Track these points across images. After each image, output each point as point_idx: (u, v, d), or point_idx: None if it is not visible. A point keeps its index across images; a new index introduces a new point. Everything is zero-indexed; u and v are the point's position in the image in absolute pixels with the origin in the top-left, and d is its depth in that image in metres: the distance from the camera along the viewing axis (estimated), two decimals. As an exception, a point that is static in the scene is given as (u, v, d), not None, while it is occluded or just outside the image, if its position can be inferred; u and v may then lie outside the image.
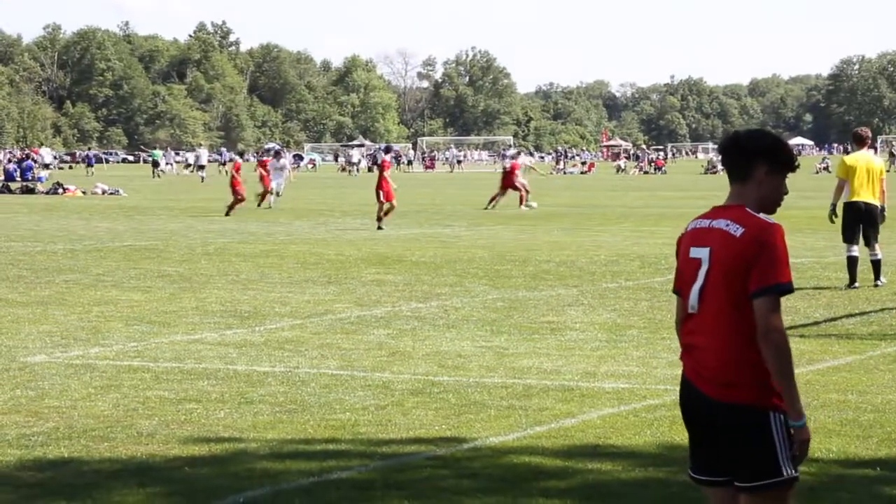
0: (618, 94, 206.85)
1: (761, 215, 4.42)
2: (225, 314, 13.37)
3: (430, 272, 17.95)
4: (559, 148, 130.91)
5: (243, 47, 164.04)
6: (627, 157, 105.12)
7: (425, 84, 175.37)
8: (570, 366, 10.24)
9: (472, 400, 8.86)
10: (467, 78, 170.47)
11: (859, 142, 16.00)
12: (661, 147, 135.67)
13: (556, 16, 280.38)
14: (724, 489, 4.44)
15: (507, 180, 35.71)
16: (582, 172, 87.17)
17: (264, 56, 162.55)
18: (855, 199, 15.58)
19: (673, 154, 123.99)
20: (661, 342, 11.39)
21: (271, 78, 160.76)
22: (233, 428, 8.05)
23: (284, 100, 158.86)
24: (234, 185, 33.12)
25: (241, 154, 36.38)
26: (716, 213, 4.51)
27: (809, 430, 4.40)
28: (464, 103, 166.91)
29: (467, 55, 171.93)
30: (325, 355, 10.79)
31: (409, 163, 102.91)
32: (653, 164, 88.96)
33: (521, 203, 35.06)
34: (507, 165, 37.00)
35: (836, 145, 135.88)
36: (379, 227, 26.85)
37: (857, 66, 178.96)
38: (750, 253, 4.34)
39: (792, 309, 13.47)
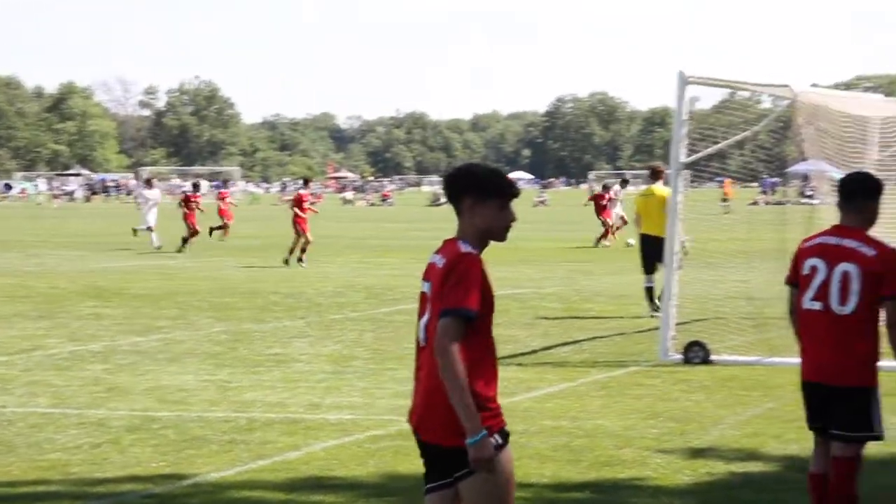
0: (344, 127, 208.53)
1: (465, 246, 4.45)
2: (-75, 351, 12.50)
3: (150, 305, 17.45)
4: (285, 180, 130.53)
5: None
6: (354, 190, 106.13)
7: (147, 112, 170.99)
8: (294, 398, 10.16)
9: (192, 435, 8.64)
10: (191, 107, 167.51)
11: (654, 176, 16.83)
12: (388, 178, 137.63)
13: (282, 47, 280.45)
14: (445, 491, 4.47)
15: (605, 212, 34.09)
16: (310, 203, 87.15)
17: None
18: (641, 231, 16.41)
19: (399, 187, 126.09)
20: (386, 373, 11.48)
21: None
22: (-70, 473, 7.51)
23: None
24: (187, 218, 30.54)
25: (195, 187, 32.66)
26: (440, 247, 4.58)
27: (488, 446, 4.31)
28: (188, 133, 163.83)
29: (191, 84, 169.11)
30: (34, 393, 10.27)
31: (130, 192, 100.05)
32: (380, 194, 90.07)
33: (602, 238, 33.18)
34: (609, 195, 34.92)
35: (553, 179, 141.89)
36: (299, 259, 25.17)
37: (570, 105, 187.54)
38: (445, 281, 4.41)
39: (512, 338, 13.89)
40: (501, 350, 4.25)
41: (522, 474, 7.58)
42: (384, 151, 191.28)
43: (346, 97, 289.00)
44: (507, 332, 14.38)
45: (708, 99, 14.89)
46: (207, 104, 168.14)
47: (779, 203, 52.16)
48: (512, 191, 4.52)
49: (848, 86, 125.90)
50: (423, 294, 4.52)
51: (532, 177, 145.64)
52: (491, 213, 4.49)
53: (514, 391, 10.44)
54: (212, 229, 33.74)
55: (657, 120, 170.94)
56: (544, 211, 66.73)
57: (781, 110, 12.98)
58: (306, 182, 28.63)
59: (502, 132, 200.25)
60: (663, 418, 9.34)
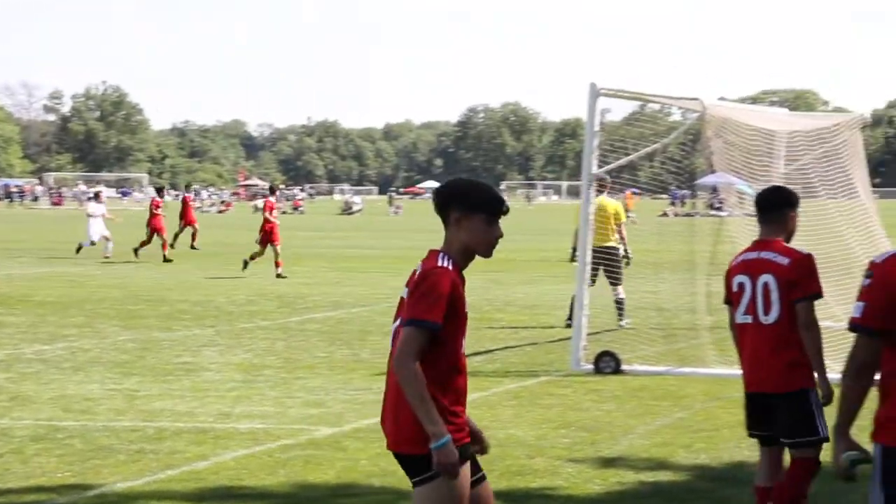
0: (255, 134, 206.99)
1: (442, 259, 4.44)
2: None
3: (56, 312, 17.11)
4: (196, 186, 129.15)
5: None
6: (265, 197, 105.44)
7: (52, 118, 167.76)
8: (204, 407, 10.03)
9: (99, 445, 8.48)
10: (98, 113, 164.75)
11: (598, 189, 16.72)
12: (299, 187, 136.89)
13: (191, 53, 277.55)
14: None
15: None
16: (219, 212, 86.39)
17: None
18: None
19: (311, 195, 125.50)
20: (297, 382, 11.40)
21: None
22: None
23: None
24: (152, 222, 29.44)
25: (159, 191, 31.81)
26: (425, 257, 4.55)
27: (452, 450, 4.30)
28: (94, 138, 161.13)
29: (97, 89, 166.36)
30: (-65, 402, 9.99)
31: (35, 199, 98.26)
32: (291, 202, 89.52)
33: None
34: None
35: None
36: (246, 262, 24.08)
37: (482, 115, 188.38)
38: (414, 291, 4.40)
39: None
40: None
41: (435, 484, 7.57)
42: (295, 159, 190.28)
43: (256, 104, 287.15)
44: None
45: (619, 111, 15.05)
46: (115, 110, 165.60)
47: (688, 215, 52.88)
48: (500, 207, 4.49)
49: (754, 100, 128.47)
50: (401, 299, 4.51)
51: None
52: (476, 228, 4.46)
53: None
54: (176, 234, 32.96)
55: (568, 131, 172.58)
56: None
57: (691, 123, 13.18)
58: (272, 191, 27.91)
59: (414, 141, 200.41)
60: (574, 428, 9.40)
